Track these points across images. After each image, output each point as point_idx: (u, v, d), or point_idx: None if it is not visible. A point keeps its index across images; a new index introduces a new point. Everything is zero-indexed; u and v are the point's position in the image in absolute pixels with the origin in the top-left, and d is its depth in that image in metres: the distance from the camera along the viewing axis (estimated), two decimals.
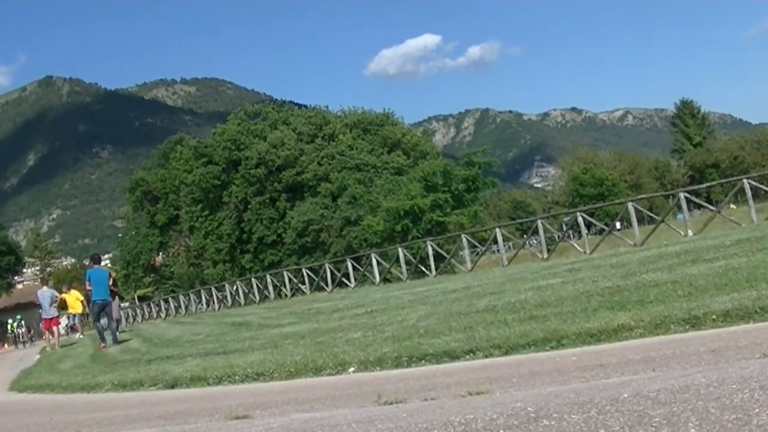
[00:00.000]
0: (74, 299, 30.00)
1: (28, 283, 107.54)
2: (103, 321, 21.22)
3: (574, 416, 2.89)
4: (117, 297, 25.39)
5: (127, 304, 67.58)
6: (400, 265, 30.77)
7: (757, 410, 2.58)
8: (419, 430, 3.13)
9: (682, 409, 2.71)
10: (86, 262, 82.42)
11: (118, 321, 27.06)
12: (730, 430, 2.46)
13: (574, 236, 38.19)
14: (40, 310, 27.17)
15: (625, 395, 3.08)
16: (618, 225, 27.84)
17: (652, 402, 2.89)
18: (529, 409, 3.13)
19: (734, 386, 2.92)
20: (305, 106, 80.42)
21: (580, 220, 26.28)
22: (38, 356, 24.63)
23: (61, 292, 30.59)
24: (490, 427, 2.97)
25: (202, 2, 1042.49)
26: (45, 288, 27.61)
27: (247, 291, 39.83)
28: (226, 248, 64.29)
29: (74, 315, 32.24)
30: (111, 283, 24.87)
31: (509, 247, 38.50)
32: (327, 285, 33.12)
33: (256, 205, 62.51)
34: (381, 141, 62.96)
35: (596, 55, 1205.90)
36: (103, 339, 20.76)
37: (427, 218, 44.62)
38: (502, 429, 2.93)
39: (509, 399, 3.83)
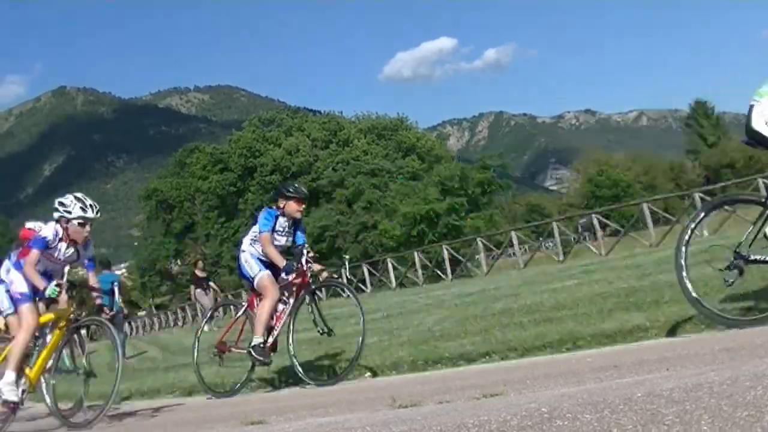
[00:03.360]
0: None
1: None
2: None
3: (587, 416, 2.89)
4: (211, 288, 23.89)
5: (144, 312, 67.79)
6: (416, 270, 30.77)
7: None
8: None
9: (694, 407, 2.72)
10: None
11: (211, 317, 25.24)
12: (742, 426, 2.47)
13: (589, 238, 38.08)
14: None
15: (639, 394, 3.08)
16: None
17: (665, 400, 2.89)
18: (542, 409, 3.14)
19: (747, 384, 2.91)
20: (319, 112, 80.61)
21: (595, 221, 26.21)
22: None
23: None
24: (503, 428, 2.98)
25: (214, 10, 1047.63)
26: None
27: None
28: None
29: None
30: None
31: (525, 249, 38.44)
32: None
33: None
34: (395, 146, 63.04)
35: (610, 56, 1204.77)
36: (124, 352, 18.60)
37: (443, 222, 44.57)
38: (515, 430, 2.94)
39: (523, 400, 3.83)
